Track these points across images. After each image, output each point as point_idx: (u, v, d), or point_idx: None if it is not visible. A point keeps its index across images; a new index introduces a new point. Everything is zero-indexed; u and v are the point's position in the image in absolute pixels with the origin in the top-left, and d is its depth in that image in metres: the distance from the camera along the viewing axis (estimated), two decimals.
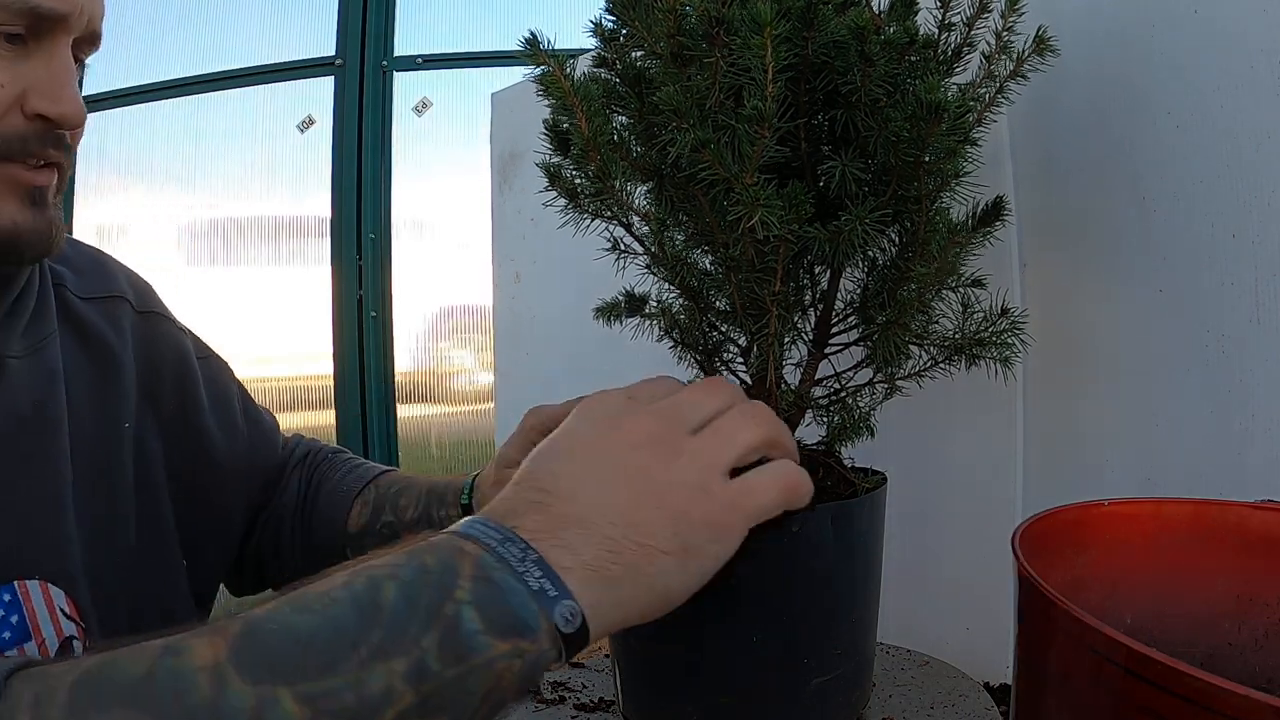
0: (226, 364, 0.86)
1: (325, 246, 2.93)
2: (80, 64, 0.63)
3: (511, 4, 2.98)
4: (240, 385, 0.86)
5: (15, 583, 0.60)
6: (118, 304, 0.76)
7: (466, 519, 0.46)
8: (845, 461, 0.68)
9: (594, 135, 0.58)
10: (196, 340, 0.83)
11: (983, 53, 0.65)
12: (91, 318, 0.73)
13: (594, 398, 0.52)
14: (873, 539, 0.65)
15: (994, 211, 0.63)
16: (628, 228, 0.67)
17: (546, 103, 0.60)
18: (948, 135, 0.55)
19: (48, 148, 0.60)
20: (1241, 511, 0.54)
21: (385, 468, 0.88)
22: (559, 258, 1.34)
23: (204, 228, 3.00)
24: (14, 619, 0.59)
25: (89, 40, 0.62)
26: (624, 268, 0.71)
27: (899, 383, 0.68)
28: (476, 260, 2.64)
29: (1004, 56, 0.64)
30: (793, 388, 0.65)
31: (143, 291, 0.79)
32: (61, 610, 0.62)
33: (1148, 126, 0.78)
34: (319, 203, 2.94)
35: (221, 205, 2.99)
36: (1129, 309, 0.80)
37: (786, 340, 0.65)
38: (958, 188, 0.60)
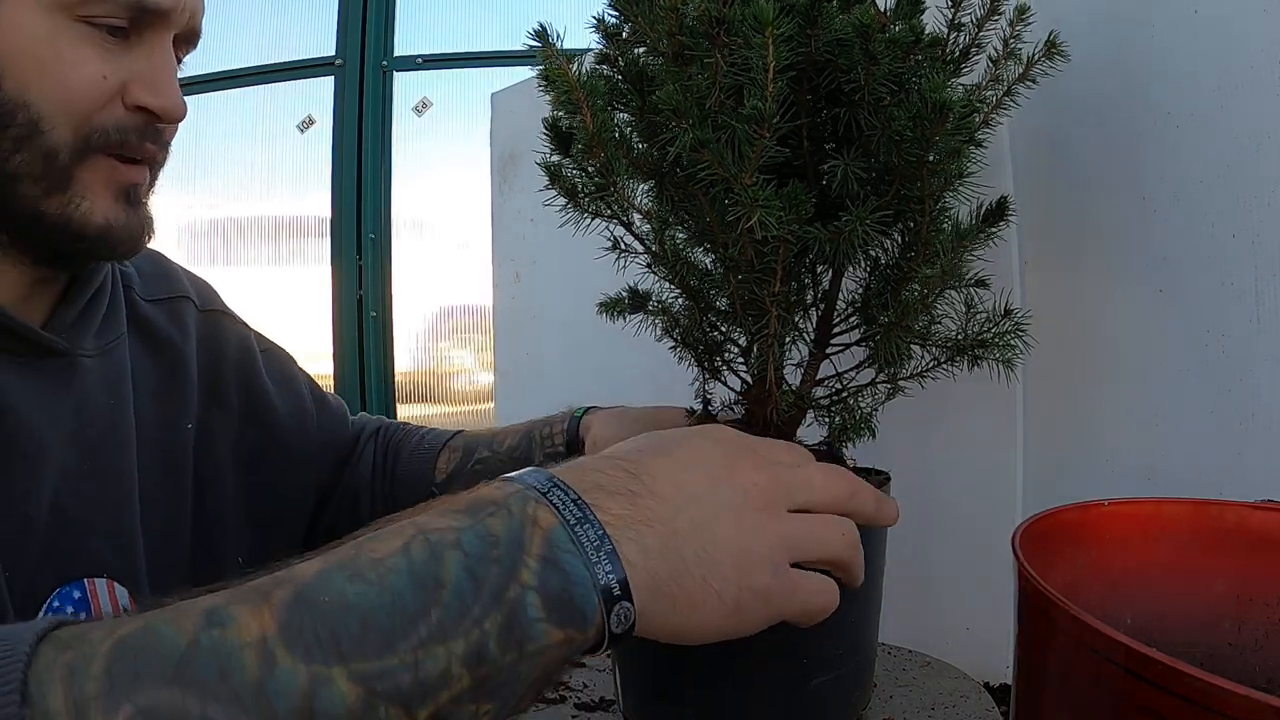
0: (289, 354, 0.89)
1: (325, 246, 2.93)
2: (179, 63, 0.64)
3: (511, 4, 2.98)
4: (305, 372, 0.89)
5: (85, 580, 0.62)
6: (183, 304, 0.78)
7: (542, 473, 0.43)
8: (848, 462, 0.68)
9: (599, 131, 0.57)
10: (258, 335, 0.86)
11: (990, 56, 0.65)
12: (157, 320, 0.74)
13: (723, 429, 0.51)
14: (875, 538, 0.65)
15: (998, 212, 0.63)
16: (628, 226, 0.67)
17: (547, 99, 0.60)
18: (952, 135, 0.54)
19: (145, 141, 0.60)
20: (1241, 511, 0.54)
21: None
22: (559, 258, 1.34)
23: (204, 227, 3.00)
24: (82, 616, 0.61)
25: (188, 38, 0.64)
26: (624, 267, 0.72)
27: (901, 383, 0.68)
28: (476, 260, 2.65)
29: (1011, 60, 0.64)
30: (794, 388, 0.65)
31: (203, 290, 0.82)
32: (125, 609, 0.63)
33: (1148, 126, 0.78)
34: (319, 203, 2.94)
35: (221, 205, 2.99)
36: (1129, 309, 0.80)
37: (787, 340, 0.65)
38: (961, 188, 0.59)
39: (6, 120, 0.55)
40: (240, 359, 0.81)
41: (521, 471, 0.44)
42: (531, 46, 0.60)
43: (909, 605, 0.84)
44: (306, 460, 0.83)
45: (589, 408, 0.85)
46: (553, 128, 0.63)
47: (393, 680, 0.35)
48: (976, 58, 0.67)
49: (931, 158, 0.55)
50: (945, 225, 0.60)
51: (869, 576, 0.65)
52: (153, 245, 0.67)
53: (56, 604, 0.60)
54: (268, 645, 0.34)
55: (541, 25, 0.60)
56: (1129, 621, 0.52)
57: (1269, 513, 0.53)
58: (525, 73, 1.50)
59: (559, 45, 0.60)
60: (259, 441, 0.79)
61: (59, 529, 0.60)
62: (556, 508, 0.41)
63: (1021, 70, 0.64)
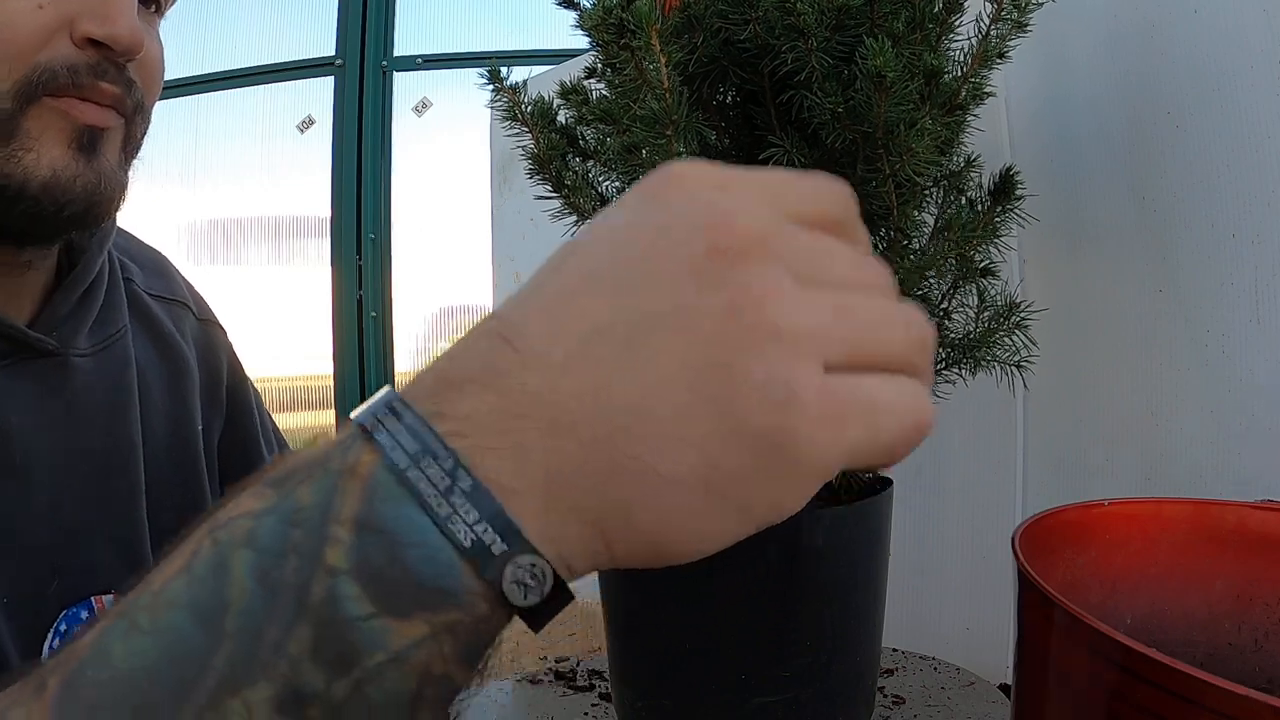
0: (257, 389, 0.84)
1: (325, 246, 2.93)
2: (160, 9, 0.58)
3: (511, 4, 2.98)
4: (267, 412, 0.84)
5: (93, 599, 0.58)
6: (182, 309, 0.73)
7: (385, 392, 0.29)
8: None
9: (546, 150, 0.62)
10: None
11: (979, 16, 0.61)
12: (160, 316, 0.69)
13: (674, 170, 0.29)
14: (873, 545, 0.64)
15: (1006, 186, 0.60)
16: None
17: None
18: (896, 105, 0.51)
19: (101, 80, 0.51)
20: (1241, 511, 0.54)
21: None
22: None
23: (204, 227, 3.00)
24: None
25: None
26: None
27: None
28: (476, 260, 2.65)
29: (1000, 24, 0.59)
30: None
31: (199, 300, 0.77)
32: None
33: (1148, 126, 0.78)
34: (319, 203, 2.94)
35: (221, 205, 2.99)
36: (1129, 309, 0.80)
37: None
38: (971, 172, 0.58)
39: None
40: (233, 375, 0.77)
41: (370, 399, 0.29)
42: (485, 85, 0.66)
43: (909, 605, 0.84)
44: None
45: None
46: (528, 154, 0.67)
47: None
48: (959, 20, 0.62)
49: (880, 135, 0.53)
50: (914, 214, 0.57)
51: (858, 588, 0.63)
52: (152, 243, 0.65)
53: (64, 628, 0.55)
54: None
55: (493, 69, 0.65)
56: (1129, 621, 0.52)
57: (1269, 513, 0.53)
58: (525, 73, 1.50)
59: (510, 84, 0.65)
60: (243, 460, 0.74)
61: (60, 545, 0.55)
62: (379, 441, 0.27)
63: (991, 17, 0.59)
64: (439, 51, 2.94)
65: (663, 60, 0.50)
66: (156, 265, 0.73)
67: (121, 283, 0.66)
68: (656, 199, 0.29)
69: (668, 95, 0.51)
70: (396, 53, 2.93)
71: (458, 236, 2.95)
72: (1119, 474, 0.82)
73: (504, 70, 0.64)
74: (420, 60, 2.93)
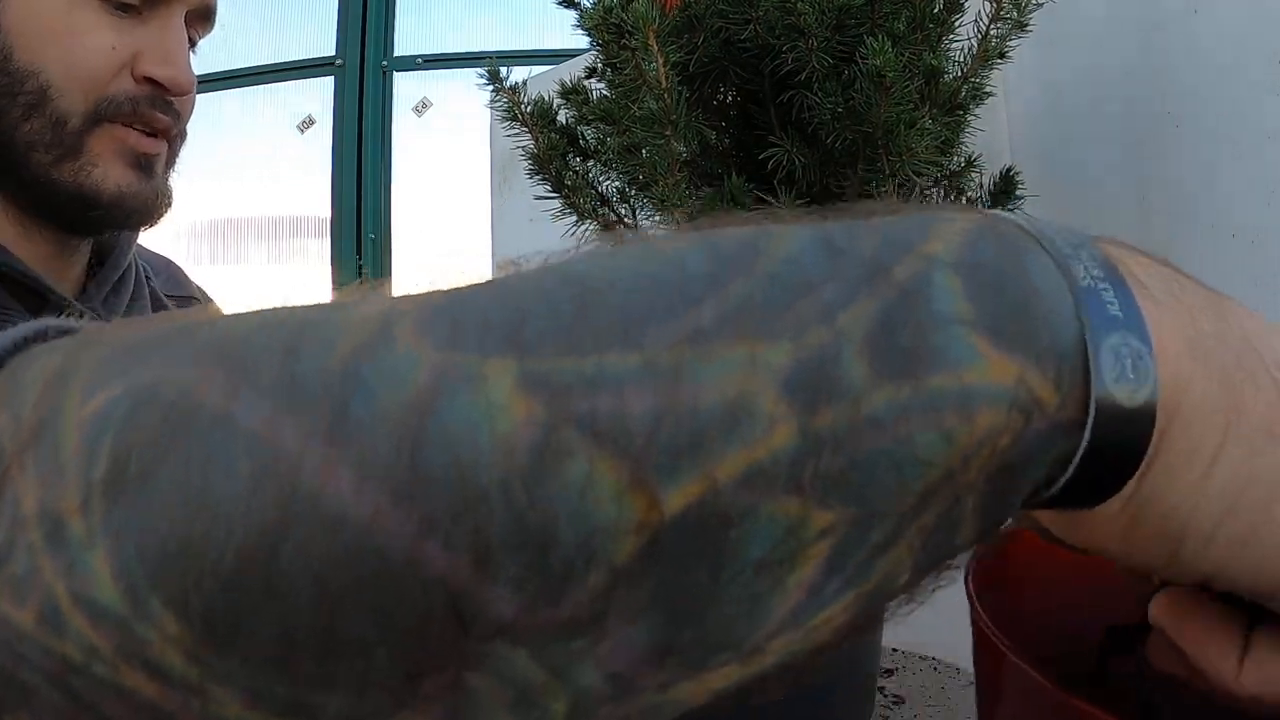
0: None
1: (325, 246, 2.93)
2: (193, 45, 0.66)
3: (511, 4, 2.98)
4: None
5: None
6: (195, 305, 0.80)
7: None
8: None
9: (546, 150, 0.63)
10: None
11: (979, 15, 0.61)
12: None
13: None
14: None
15: (1007, 187, 0.61)
16: (609, 229, 0.68)
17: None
18: (897, 105, 0.52)
19: (156, 112, 0.61)
20: None
21: None
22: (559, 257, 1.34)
23: (204, 227, 3.00)
24: None
25: (202, 15, 0.65)
26: None
27: None
28: (476, 260, 2.64)
29: (1001, 23, 0.59)
30: None
31: (209, 300, 0.84)
32: None
33: (1148, 126, 0.78)
34: (319, 202, 2.94)
35: (221, 205, 2.99)
36: None
37: None
38: (973, 172, 0.58)
39: (16, 88, 0.57)
40: None
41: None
42: (485, 86, 0.67)
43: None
44: None
45: None
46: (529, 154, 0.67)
47: (611, 397, 0.17)
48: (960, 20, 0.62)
49: (880, 135, 0.53)
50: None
51: None
52: (151, 242, 0.69)
53: None
54: (387, 321, 0.19)
55: (492, 69, 0.66)
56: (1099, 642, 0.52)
57: None
58: (525, 73, 1.50)
59: (507, 82, 0.66)
60: None
61: None
62: (1026, 227, 0.21)
63: (990, 17, 0.59)
64: (439, 51, 2.94)
65: (661, 60, 0.51)
66: (169, 269, 0.81)
67: (145, 280, 0.74)
68: None
69: (666, 95, 0.51)
70: (396, 53, 2.93)
71: (458, 236, 2.95)
72: None
73: (503, 70, 0.65)
74: (420, 60, 2.93)
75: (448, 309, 0.19)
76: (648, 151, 0.54)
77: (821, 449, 0.17)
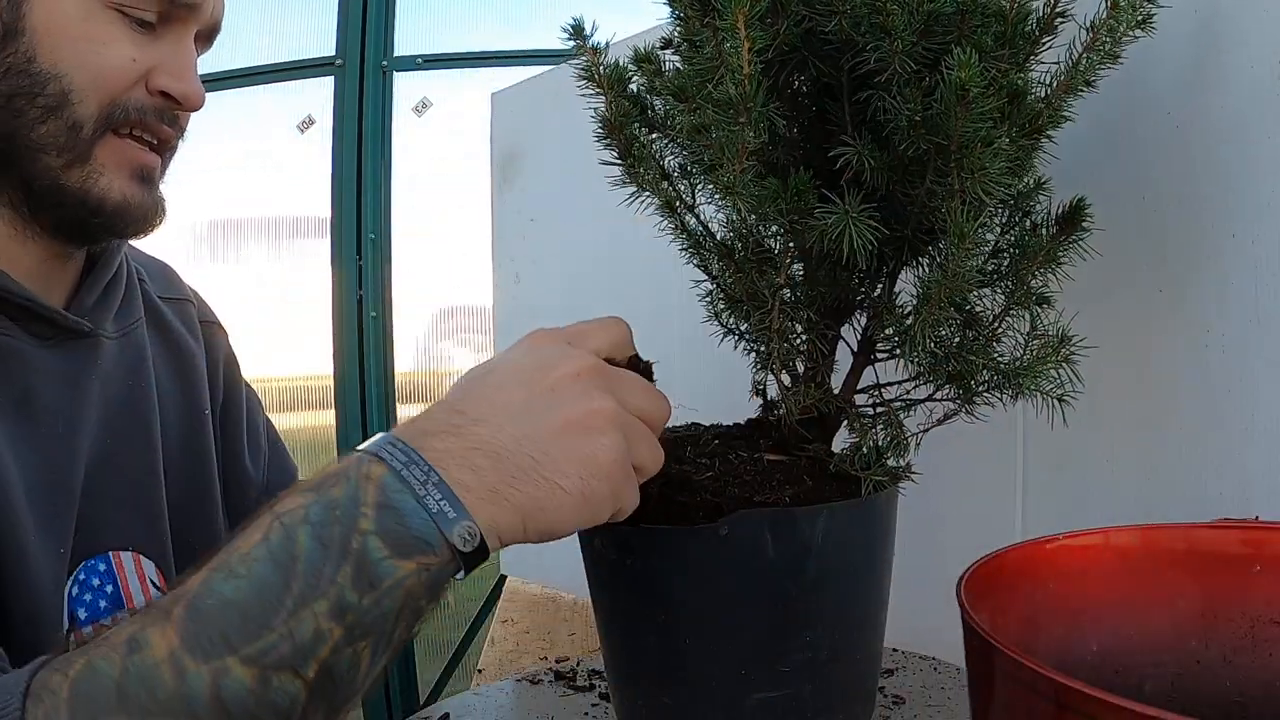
0: (256, 393, 0.93)
1: (325, 246, 2.92)
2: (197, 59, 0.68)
3: (511, 4, 2.98)
4: (266, 415, 0.93)
5: (110, 554, 0.66)
6: (189, 307, 0.82)
7: (382, 435, 0.48)
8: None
9: (617, 117, 0.61)
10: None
11: (1080, 26, 0.58)
12: (168, 314, 0.79)
13: (537, 335, 0.55)
14: (874, 557, 0.64)
15: (1075, 216, 0.58)
16: (668, 206, 0.66)
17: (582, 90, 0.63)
18: (976, 121, 0.50)
19: (164, 124, 0.64)
20: (1190, 533, 0.54)
21: None
22: (559, 258, 1.34)
23: (204, 227, 3.00)
24: (109, 589, 0.65)
25: (209, 34, 0.68)
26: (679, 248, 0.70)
27: (962, 404, 0.63)
28: (476, 260, 2.64)
29: (1087, 33, 0.57)
30: (808, 393, 0.62)
31: (202, 302, 0.86)
32: (152, 581, 0.67)
33: (1148, 126, 0.78)
34: (319, 203, 2.94)
35: (221, 205, 2.99)
36: (1129, 309, 0.80)
37: (813, 341, 0.62)
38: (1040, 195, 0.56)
39: (37, 90, 0.59)
40: (230, 375, 0.84)
41: (368, 441, 0.49)
42: (567, 40, 0.64)
43: (910, 605, 0.84)
44: (250, 486, 0.84)
45: None
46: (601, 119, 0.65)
47: (276, 653, 0.42)
48: (1050, 41, 0.59)
49: (954, 147, 0.51)
50: (977, 232, 0.53)
51: (860, 586, 0.63)
52: (151, 242, 0.70)
53: (82, 576, 0.64)
54: (176, 658, 0.41)
55: (577, 24, 0.63)
56: (1095, 649, 0.52)
57: (1219, 531, 0.53)
58: (526, 73, 1.50)
59: (590, 41, 0.63)
60: (231, 454, 0.83)
61: (89, 503, 0.64)
62: (386, 460, 0.46)
63: (1085, 45, 0.57)
64: (439, 51, 2.94)
65: (746, 45, 0.49)
66: (161, 270, 0.83)
67: (137, 282, 0.76)
68: (533, 349, 0.53)
69: (747, 81, 0.50)
70: (396, 53, 2.92)
71: (458, 236, 2.95)
72: (1118, 473, 0.82)
73: (588, 26, 0.63)
74: (420, 60, 2.92)
75: (194, 637, 0.43)
76: (717, 134, 0.52)
77: (353, 629, 0.44)
